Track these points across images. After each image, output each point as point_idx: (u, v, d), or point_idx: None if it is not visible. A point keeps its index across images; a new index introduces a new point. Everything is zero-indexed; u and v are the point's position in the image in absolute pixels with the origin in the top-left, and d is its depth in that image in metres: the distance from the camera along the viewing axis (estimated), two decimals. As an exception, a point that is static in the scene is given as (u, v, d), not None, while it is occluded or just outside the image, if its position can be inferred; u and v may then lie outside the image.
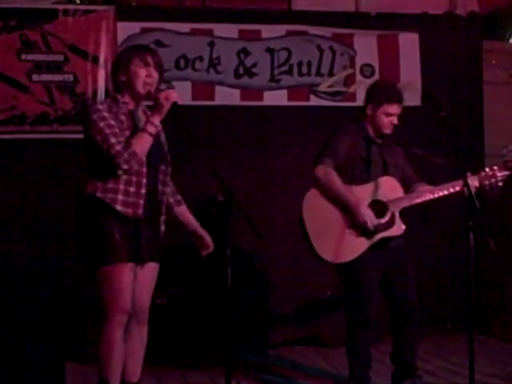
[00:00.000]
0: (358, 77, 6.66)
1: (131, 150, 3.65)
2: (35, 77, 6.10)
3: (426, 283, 6.52)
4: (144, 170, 3.76)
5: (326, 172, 4.48)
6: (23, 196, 5.99)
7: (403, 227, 4.46)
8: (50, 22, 6.12)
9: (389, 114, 4.56)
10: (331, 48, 6.62)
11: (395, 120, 4.59)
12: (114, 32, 6.19)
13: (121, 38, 6.19)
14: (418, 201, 4.51)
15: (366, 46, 6.66)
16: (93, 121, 3.70)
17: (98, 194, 3.71)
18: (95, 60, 6.16)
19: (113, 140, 3.65)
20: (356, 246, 4.42)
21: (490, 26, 6.96)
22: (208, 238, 4.04)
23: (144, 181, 3.77)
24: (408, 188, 4.62)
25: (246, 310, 5.93)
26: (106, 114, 3.72)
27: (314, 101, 6.59)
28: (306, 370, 5.42)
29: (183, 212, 4.10)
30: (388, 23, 6.71)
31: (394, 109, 4.57)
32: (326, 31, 6.61)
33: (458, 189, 4.39)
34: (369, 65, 6.67)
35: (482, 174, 4.47)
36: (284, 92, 6.54)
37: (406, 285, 4.56)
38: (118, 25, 6.21)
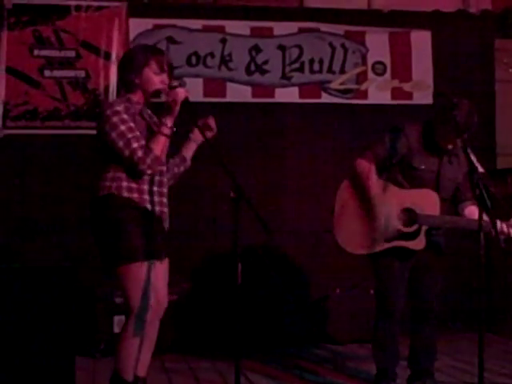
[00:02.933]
0: (370, 74, 6.65)
1: (153, 155, 3.65)
2: (47, 72, 6.12)
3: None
4: (165, 168, 3.81)
5: (364, 165, 4.37)
6: (36, 191, 6.00)
7: (424, 243, 4.30)
8: (63, 18, 6.14)
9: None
10: (343, 45, 6.61)
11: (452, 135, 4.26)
12: (127, 28, 6.21)
13: (133, 34, 6.21)
14: (448, 226, 4.38)
15: (378, 44, 6.65)
16: (113, 123, 3.67)
17: (126, 194, 3.70)
18: (107, 56, 6.18)
19: (135, 145, 3.64)
20: (371, 243, 4.34)
21: (502, 25, 6.93)
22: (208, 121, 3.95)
23: (165, 180, 3.82)
24: (457, 204, 4.48)
25: (258, 307, 5.96)
26: (125, 117, 3.69)
27: (325, 98, 6.58)
28: (314, 364, 5.42)
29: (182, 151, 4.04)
30: (400, 21, 6.70)
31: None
32: (338, 28, 6.60)
33: (488, 230, 3.87)
34: (381, 62, 6.66)
35: None
36: (295, 89, 6.54)
37: (427, 285, 4.53)
38: (130, 21, 6.23)
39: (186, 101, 3.72)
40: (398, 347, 4.55)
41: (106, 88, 6.17)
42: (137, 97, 3.83)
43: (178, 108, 3.70)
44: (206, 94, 6.35)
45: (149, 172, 3.68)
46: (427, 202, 4.29)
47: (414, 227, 4.29)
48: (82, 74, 6.18)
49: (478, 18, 6.86)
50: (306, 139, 6.42)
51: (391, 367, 4.52)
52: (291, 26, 6.54)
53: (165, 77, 3.82)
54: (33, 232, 5.94)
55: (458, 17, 6.85)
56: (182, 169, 4.03)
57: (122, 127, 3.66)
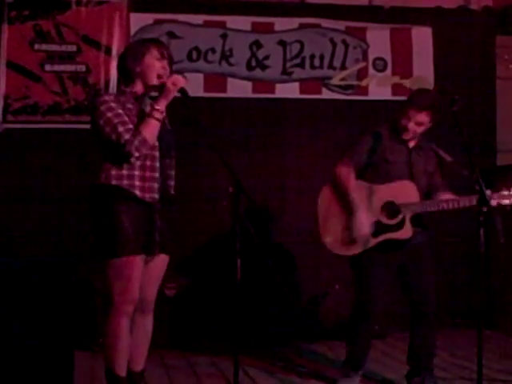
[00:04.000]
0: (371, 70, 6.65)
1: (141, 137, 3.66)
2: (48, 67, 6.12)
3: (435, 278, 6.53)
4: (157, 154, 3.78)
5: (343, 171, 4.54)
6: (35, 185, 6.00)
7: (411, 231, 4.43)
8: (64, 12, 6.14)
9: (412, 120, 4.46)
10: (344, 41, 6.61)
11: (417, 129, 4.48)
12: (127, 23, 6.21)
13: (134, 29, 6.21)
14: (431, 209, 4.46)
15: (379, 40, 6.65)
16: (101, 112, 3.71)
17: (114, 182, 3.71)
18: (108, 51, 6.18)
19: (121, 129, 3.66)
20: (360, 242, 4.46)
21: (503, 21, 6.92)
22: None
23: (157, 165, 3.79)
24: (433, 195, 4.59)
25: (257, 303, 5.96)
26: (113, 105, 3.73)
27: (326, 94, 6.58)
28: (312, 360, 5.43)
29: None
30: (401, 17, 6.69)
31: (421, 117, 4.46)
32: (339, 24, 6.60)
33: (474, 203, 4.17)
34: (381, 58, 6.66)
35: (505, 192, 4.33)
36: (296, 85, 6.54)
37: (422, 282, 4.57)
38: (131, 16, 6.23)
39: (186, 94, 3.72)
40: (370, 341, 4.67)
41: (107, 83, 6.16)
42: (136, 88, 3.84)
43: (174, 93, 3.71)
44: (206, 89, 6.35)
45: (136, 154, 3.67)
46: (406, 192, 4.45)
47: (399, 218, 4.42)
48: (83, 68, 6.17)
49: (479, 15, 6.85)
50: (306, 135, 6.43)
51: (361, 358, 4.66)
52: (292, 22, 6.54)
53: (166, 63, 3.83)
54: (32, 227, 5.94)
55: (459, 13, 6.84)
56: None
57: (109, 114, 3.70)
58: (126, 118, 3.71)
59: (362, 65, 6.65)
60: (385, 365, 5.20)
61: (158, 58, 3.82)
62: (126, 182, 3.72)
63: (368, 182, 4.52)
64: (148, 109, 3.78)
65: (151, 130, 3.69)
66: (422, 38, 6.71)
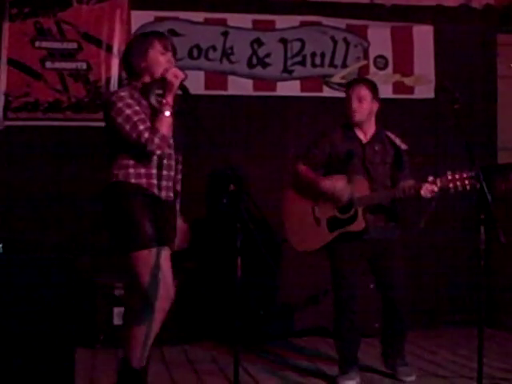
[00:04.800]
0: (372, 68, 6.64)
1: (160, 134, 3.67)
2: (49, 64, 6.12)
3: (436, 277, 6.54)
4: (172, 152, 3.83)
5: (302, 169, 4.76)
6: (36, 183, 6.00)
7: (363, 224, 4.57)
8: (64, 9, 6.14)
9: (349, 99, 4.69)
10: (345, 39, 6.60)
11: (364, 106, 4.68)
12: (128, 20, 6.21)
13: (135, 26, 6.21)
14: (382, 200, 4.62)
15: (380, 38, 6.64)
16: (119, 108, 3.71)
17: (133, 181, 3.73)
18: (109, 48, 6.18)
19: (141, 127, 3.67)
20: (319, 238, 4.68)
21: (504, 20, 6.91)
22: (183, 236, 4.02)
23: (173, 163, 3.84)
24: (396, 184, 4.71)
25: (256, 299, 5.96)
26: (130, 101, 3.74)
27: (326, 92, 6.58)
28: (311, 357, 5.44)
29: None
30: (402, 15, 6.69)
31: (359, 91, 4.68)
32: (340, 22, 6.59)
33: (412, 192, 4.48)
34: (382, 56, 6.65)
35: (449, 176, 4.42)
36: (297, 83, 6.54)
37: (390, 275, 4.70)
38: (132, 13, 6.23)
39: (184, 88, 3.73)
40: (359, 335, 4.77)
41: (108, 80, 6.16)
42: (145, 80, 3.84)
43: (177, 85, 3.72)
44: (207, 87, 6.34)
45: (158, 152, 3.71)
46: (358, 187, 4.59)
47: (351, 212, 4.57)
48: (84, 65, 6.17)
49: (480, 13, 6.84)
50: (307, 133, 6.41)
51: (354, 354, 4.74)
52: (293, 20, 6.53)
53: (170, 56, 3.85)
54: (33, 224, 5.94)
55: (461, 11, 6.83)
56: None
57: (128, 111, 3.70)
58: (144, 116, 3.72)
59: (363, 63, 6.64)
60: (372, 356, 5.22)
61: (162, 51, 3.83)
62: (144, 180, 3.75)
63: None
64: (154, 101, 3.81)
65: (167, 126, 3.71)
66: (423, 36, 6.71)
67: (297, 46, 6.53)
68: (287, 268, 6.18)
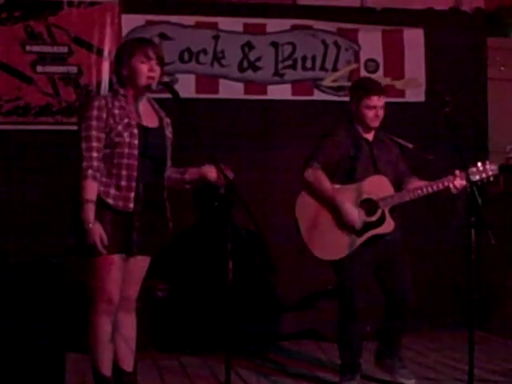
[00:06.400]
0: (363, 72, 6.64)
1: (98, 174, 3.72)
2: (39, 68, 6.11)
3: (427, 278, 6.54)
4: (135, 163, 3.77)
5: (315, 175, 4.61)
6: (25, 187, 5.98)
7: (393, 224, 4.52)
8: (55, 13, 6.11)
9: (370, 107, 4.62)
10: (336, 43, 6.61)
11: (379, 112, 4.64)
12: (119, 24, 6.20)
13: (125, 30, 6.19)
14: (408, 198, 4.57)
15: (371, 42, 6.65)
16: (87, 125, 3.74)
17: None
18: (99, 52, 6.16)
19: (93, 154, 3.72)
20: (346, 244, 4.53)
21: (494, 23, 6.94)
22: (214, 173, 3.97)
23: (135, 174, 3.78)
24: (401, 184, 4.69)
25: (247, 302, 5.95)
26: (99, 124, 3.73)
27: (317, 95, 6.58)
28: (304, 361, 5.43)
29: (188, 172, 4.09)
30: (393, 18, 6.70)
31: (374, 101, 4.62)
32: (331, 26, 6.60)
33: (447, 184, 4.48)
34: (373, 60, 6.67)
35: (473, 169, 4.44)
36: (288, 86, 6.54)
37: (398, 278, 4.63)
38: (122, 17, 6.21)
39: (177, 95, 3.72)
40: (362, 342, 4.71)
41: (98, 84, 6.15)
42: (129, 91, 3.84)
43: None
44: (198, 91, 6.34)
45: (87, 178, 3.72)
46: (379, 187, 4.56)
47: (379, 213, 4.51)
48: (75, 69, 6.16)
49: (470, 16, 6.86)
50: (298, 136, 6.41)
51: (356, 360, 4.69)
52: (284, 23, 6.53)
53: (153, 64, 3.82)
54: (22, 228, 5.92)
55: (451, 15, 6.85)
56: (177, 185, 4.05)
57: (93, 132, 3.72)
58: (102, 143, 3.72)
59: (353, 66, 6.65)
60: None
61: (143, 60, 3.81)
62: (102, 188, 3.75)
63: (338, 183, 4.61)
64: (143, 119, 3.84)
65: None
66: (414, 39, 6.72)
67: (288, 49, 6.53)
68: (280, 270, 6.19)
